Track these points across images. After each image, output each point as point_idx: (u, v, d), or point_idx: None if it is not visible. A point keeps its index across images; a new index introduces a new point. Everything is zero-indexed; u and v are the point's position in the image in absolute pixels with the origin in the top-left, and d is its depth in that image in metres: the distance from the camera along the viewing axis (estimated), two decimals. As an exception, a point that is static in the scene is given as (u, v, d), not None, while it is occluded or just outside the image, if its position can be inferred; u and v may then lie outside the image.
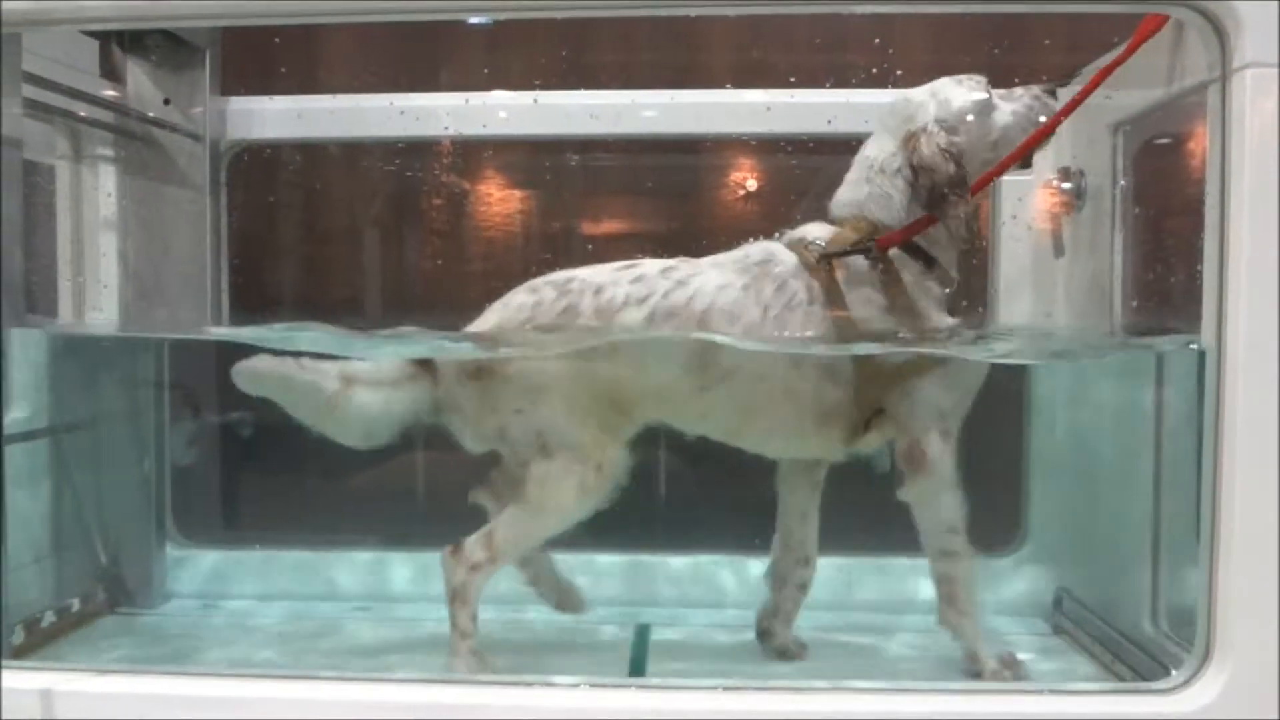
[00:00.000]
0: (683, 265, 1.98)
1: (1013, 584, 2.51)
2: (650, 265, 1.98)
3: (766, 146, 2.61)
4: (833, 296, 1.90)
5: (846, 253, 1.92)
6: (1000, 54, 2.44)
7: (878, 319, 1.91)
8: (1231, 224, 1.58)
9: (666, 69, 2.67)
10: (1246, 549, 1.60)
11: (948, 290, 1.98)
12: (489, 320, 2.03)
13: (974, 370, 1.97)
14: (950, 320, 1.96)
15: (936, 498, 1.96)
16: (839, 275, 1.91)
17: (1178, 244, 1.99)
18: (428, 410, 2.06)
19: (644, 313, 1.92)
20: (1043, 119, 1.95)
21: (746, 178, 2.69)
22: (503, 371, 1.97)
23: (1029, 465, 2.54)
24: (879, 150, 1.96)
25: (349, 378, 2.03)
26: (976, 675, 1.99)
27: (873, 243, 1.91)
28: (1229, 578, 1.61)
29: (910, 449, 1.95)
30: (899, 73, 2.36)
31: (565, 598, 2.25)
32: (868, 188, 1.95)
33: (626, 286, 1.94)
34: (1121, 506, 2.21)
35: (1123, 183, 2.20)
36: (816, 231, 1.97)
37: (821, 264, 1.92)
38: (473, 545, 2.00)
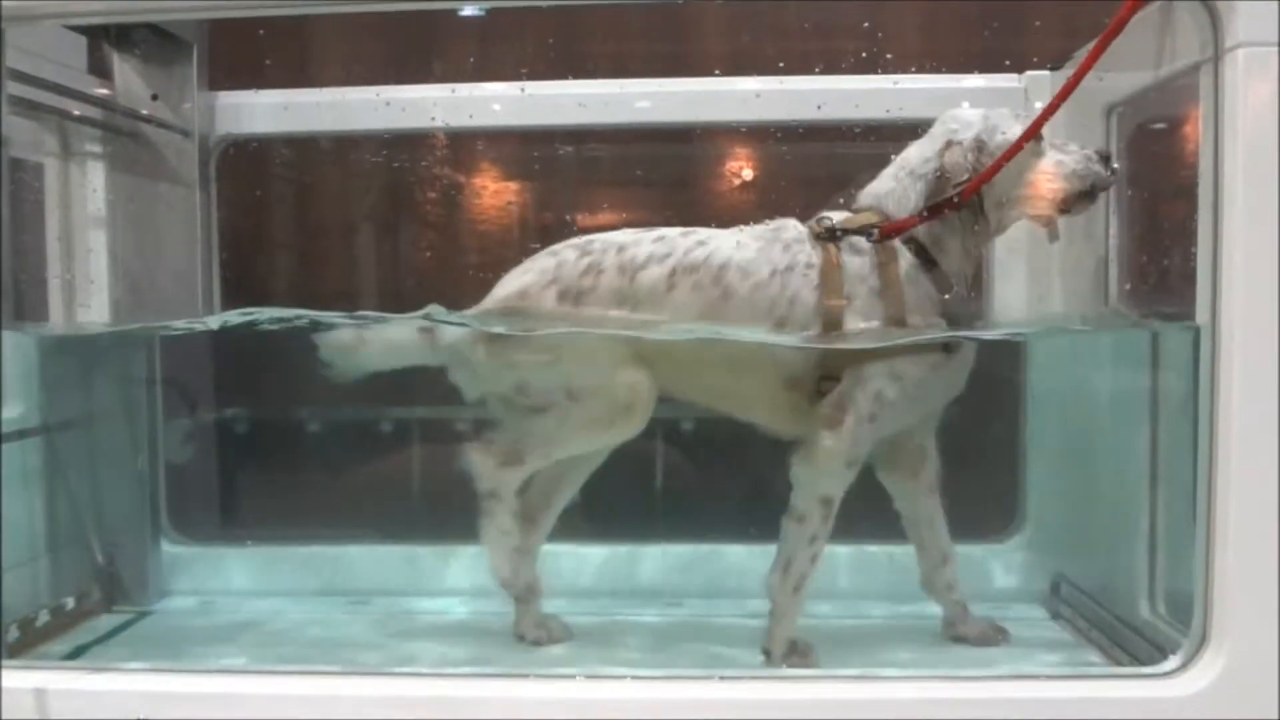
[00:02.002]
0: (702, 230, 2.08)
1: (1010, 569, 2.50)
2: (671, 229, 2.08)
3: (756, 133, 2.60)
4: (830, 268, 1.98)
5: (850, 230, 2.01)
6: (991, 38, 2.43)
7: (865, 298, 1.97)
8: (1225, 205, 1.58)
9: (656, 58, 2.66)
10: (1243, 534, 1.60)
11: (945, 295, 2.02)
12: (511, 286, 2.08)
13: (924, 373, 1.99)
14: (937, 324, 2.00)
15: (826, 462, 1.99)
16: (842, 252, 2.00)
17: (1172, 227, 1.98)
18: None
19: (666, 269, 2.01)
20: (1089, 182, 2.00)
21: (739, 166, 2.69)
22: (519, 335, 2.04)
23: (1027, 451, 2.54)
24: (917, 153, 2.05)
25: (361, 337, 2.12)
26: (765, 654, 2.03)
27: (875, 229, 2.00)
28: (1225, 562, 1.61)
29: (831, 412, 1.99)
30: (888, 57, 2.35)
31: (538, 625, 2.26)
32: (893, 184, 2.04)
33: (649, 245, 2.03)
34: (1119, 492, 2.21)
35: (1116, 166, 2.19)
36: (835, 215, 2.06)
37: (826, 237, 2.01)
38: (502, 442, 2.10)
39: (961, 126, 2.02)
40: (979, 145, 1.98)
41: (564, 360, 2.04)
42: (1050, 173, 2.00)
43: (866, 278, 1.97)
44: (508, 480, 2.11)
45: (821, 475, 2.00)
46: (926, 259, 2.01)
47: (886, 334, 1.96)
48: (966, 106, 2.08)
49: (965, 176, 1.96)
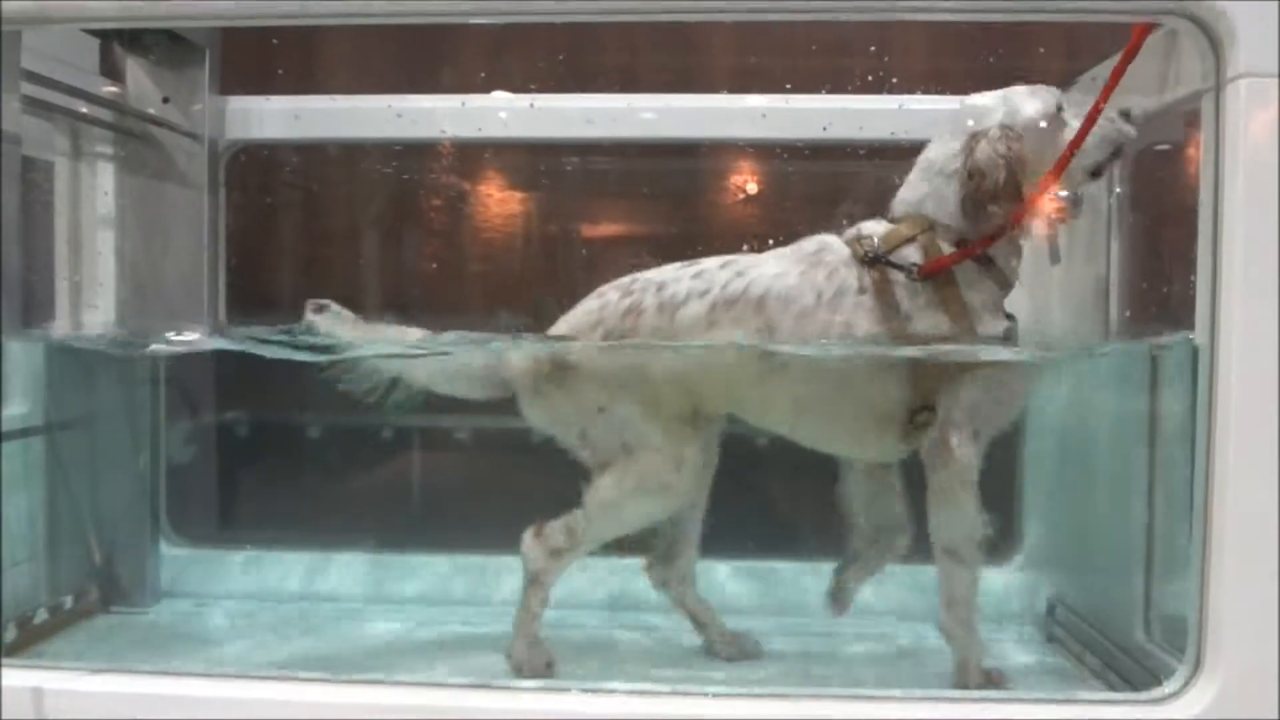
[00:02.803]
0: (742, 259, 2.03)
1: (1006, 592, 2.50)
2: (710, 261, 2.04)
3: (763, 151, 2.61)
4: (883, 290, 1.94)
5: (890, 264, 1.94)
6: (997, 60, 2.44)
7: (927, 314, 1.93)
8: (1225, 233, 1.58)
9: (664, 73, 2.67)
10: (1239, 558, 1.60)
11: (1003, 293, 1.99)
12: (560, 331, 2.07)
13: (1017, 377, 1.98)
14: (1004, 323, 1.97)
15: (954, 495, 1.96)
16: (891, 271, 1.95)
17: (1173, 252, 1.98)
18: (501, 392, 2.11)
19: (705, 305, 1.98)
20: (1116, 143, 1.98)
21: (745, 181, 2.70)
22: (582, 371, 2.02)
23: (1024, 474, 2.54)
24: (940, 152, 2.00)
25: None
26: (961, 687, 2.00)
27: (915, 266, 1.93)
28: (1221, 587, 1.60)
29: (940, 442, 1.96)
30: (894, 80, 2.36)
31: (727, 643, 2.24)
32: (926, 187, 1.99)
33: (688, 282, 2.00)
34: (1115, 516, 2.21)
35: (1119, 190, 2.19)
36: (873, 228, 2.01)
37: (870, 262, 1.95)
38: (555, 530, 2.04)
39: (982, 114, 1.96)
40: (1006, 133, 1.92)
41: (625, 400, 2.01)
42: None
43: (921, 292, 1.92)
44: (555, 569, 2.06)
45: (954, 508, 1.97)
46: (983, 258, 1.96)
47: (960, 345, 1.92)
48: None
49: (1002, 173, 1.89)
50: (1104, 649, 2.15)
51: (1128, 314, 2.18)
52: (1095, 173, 2.00)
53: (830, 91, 2.47)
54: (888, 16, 2.12)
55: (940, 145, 2.00)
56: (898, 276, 1.93)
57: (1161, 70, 1.89)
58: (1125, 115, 1.98)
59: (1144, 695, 1.71)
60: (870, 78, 2.41)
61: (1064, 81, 2.33)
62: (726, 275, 1.99)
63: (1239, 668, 1.60)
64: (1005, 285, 1.99)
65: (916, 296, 1.92)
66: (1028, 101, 1.96)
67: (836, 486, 2.17)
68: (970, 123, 1.97)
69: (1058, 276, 2.36)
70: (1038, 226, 1.99)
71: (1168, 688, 1.66)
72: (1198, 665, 1.63)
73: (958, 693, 1.95)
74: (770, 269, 1.98)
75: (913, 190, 2.00)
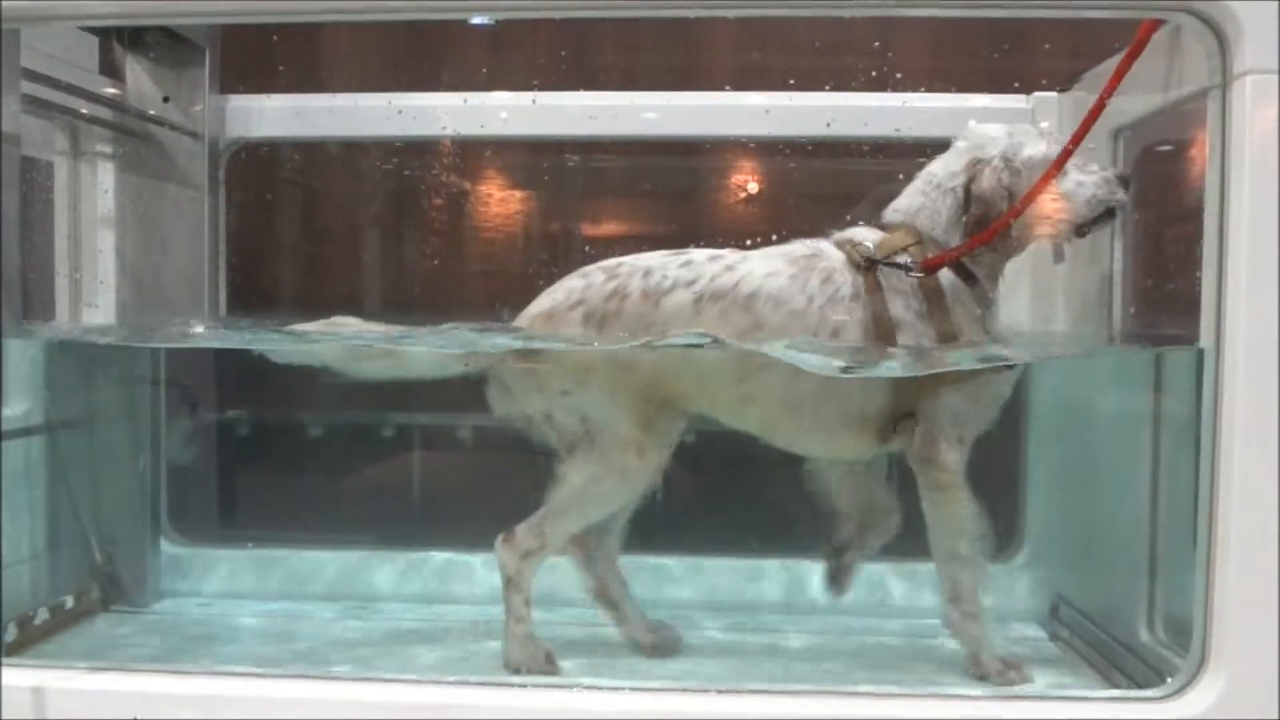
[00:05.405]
0: (730, 254, 2.04)
1: (1010, 590, 2.50)
2: (699, 252, 2.05)
3: (765, 148, 2.61)
4: (874, 297, 1.96)
5: (890, 263, 1.97)
6: (1000, 58, 2.44)
7: (915, 324, 1.95)
8: (1231, 230, 1.59)
9: (666, 70, 2.67)
10: (1243, 556, 1.60)
11: (982, 311, 2.01)
12: (540, 306, 2.07)
13: (997, 386, 2.01)
14: (983, 335, 2.00)
15: (948, 499, 2.00)
16: (882, 278, 1.97)
17: (1177, 251, 1.98)
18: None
19: (691, 295, 1.98)
20: (1106, 204, 2.00)
21: (746, 180, 2.69)
22: (549, 354, 2.02)
23: (1027, 472, 2.54)
24: (943, 167, 2.03)
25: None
26: (981, 679, 2.01)
27: (915, 263, 1.97)
28: (1225, 585, 1.61)
29: (924, 451, 2.00)
30: (898, 76, 2.36)
31: (649, 632, 2.23)
32: (922, 199, 2.02)
33: (675, 270, 2.00)
34: (1119, 514, 2.21)
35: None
36: (864, 234, 2.03)
37: (865, 266, 1.97)
38: (525, 533, 2.06)
39: (986, 142, 2.00)
40: (1007, 163, 1.96)
41: (590, 385, 2.01)
42: (1071, 195, 1.98)
43: (910, 301, 1.96)
44: (529, 570, 2.08)
45: (948, 510, 2.01)
46: (966, 274, 1.99)
47: (942, 356, 1.95)
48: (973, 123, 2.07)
49: (1004, 204, 1.93)
50: (1108, 647, 2.15)
51: (1132, 312, 2.18)
52: (1081, 231, 2.02)
53: (833, 89, 2.46)
54: (891, 12, 2.14)
55: (944, 161, 2.03)
56: (891, 284, 1.95)
57: (1165, 68, 1.88)
58: (1123, 181, 2.01)
59: (1148, 693, 1.71)
60: (873, 74, 2.41)
61: (1067, 80, 2.34)
62: (715, 268, 2.00)
63: (1243, 665, 1.61)
64: (984, 303, 2.02)
65: (908, 308, 1.95)
66: (1033, 141, 2.00)
67: (811, 477, 2.18)
68: (978, 143, 2.00)
69: (1062, 274, 2.36)
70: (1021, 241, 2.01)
71: (1172, 685, 1.67)
72: (1202, 663, 1.64)
73: (961, 690, 1.95)
74: (761, 268, 1.99)
75: (909, 200, 2.04)
